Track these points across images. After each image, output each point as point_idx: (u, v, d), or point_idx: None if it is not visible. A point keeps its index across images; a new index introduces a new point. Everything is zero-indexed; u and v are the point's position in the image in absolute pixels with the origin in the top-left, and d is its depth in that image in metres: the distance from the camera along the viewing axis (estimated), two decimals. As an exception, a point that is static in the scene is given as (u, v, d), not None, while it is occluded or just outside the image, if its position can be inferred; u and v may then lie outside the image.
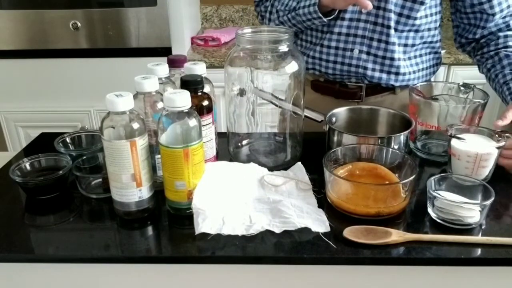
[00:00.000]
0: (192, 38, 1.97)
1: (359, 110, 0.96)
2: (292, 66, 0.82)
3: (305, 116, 0.91)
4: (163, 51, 1.73)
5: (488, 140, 0.80)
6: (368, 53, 1.01)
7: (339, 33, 1.01)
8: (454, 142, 0.79)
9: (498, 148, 0.77)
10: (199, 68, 0.82)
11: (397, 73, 1.01)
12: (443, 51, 1.73)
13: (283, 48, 0.80)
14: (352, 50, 1.02)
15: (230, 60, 0.84)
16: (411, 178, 0.69)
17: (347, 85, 1.06)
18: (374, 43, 1.00)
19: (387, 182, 0.75)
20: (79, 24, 1.70)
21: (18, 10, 1.69)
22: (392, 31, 0.97)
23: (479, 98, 0.88)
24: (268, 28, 0.87)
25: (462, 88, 0.94)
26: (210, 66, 1.69)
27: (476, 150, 0.77)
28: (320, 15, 0.96)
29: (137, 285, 0.70)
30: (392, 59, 1.00)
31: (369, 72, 1.02)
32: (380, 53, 1.00)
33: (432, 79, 1.12)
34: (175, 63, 0.85)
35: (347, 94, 1.06)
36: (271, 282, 0.69)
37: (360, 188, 0.71)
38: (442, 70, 1.73)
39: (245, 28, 0.83)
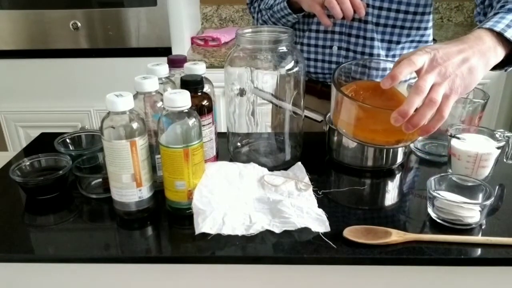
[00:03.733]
0: (192, 38, 1.97)
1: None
2: (292, 66, 0.82)
3: (305, 116, 0.91)
4: (163, 51, 1.73)
5: (488, 140, 0.80)
6: (347, 49, 1.01)
7: (317, 31, 1.02)
8: (454, 142, 0.79)
9: (498, 148, 0.77)
10: (199, 68, 0.82)
11: (377, 69, 1.00)
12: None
13: (283, 48, 0.80)
14: (331, 47, 1.02)
15: (230, 60, 0.84)
16: None
17: (329, 85, 1.06)
18: (352, 39, 0.99)
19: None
20: (79, 24, 1.70)
21: (18, 10, 1.69)
22: (369, 26, 0.97)
23: (479, 98, 0.88)
24: (268, 28, 0.87)
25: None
26: (210, 66, 1.69)
27: (476, 150, 0.77)
28: (290, 10, 0.97)
29: (137, 285, 0.70)
30: (371, 55, 0.99)
31: None
32: (359, 49, 1.00)
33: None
34: (175, 63, 0.85)
35: (329, 95, 1.06)
36: (271, 282, 0.69)
37: (382, 114, 0.62)
38: (442, 70, 1.73)
39: (245, 28, 0.83)
